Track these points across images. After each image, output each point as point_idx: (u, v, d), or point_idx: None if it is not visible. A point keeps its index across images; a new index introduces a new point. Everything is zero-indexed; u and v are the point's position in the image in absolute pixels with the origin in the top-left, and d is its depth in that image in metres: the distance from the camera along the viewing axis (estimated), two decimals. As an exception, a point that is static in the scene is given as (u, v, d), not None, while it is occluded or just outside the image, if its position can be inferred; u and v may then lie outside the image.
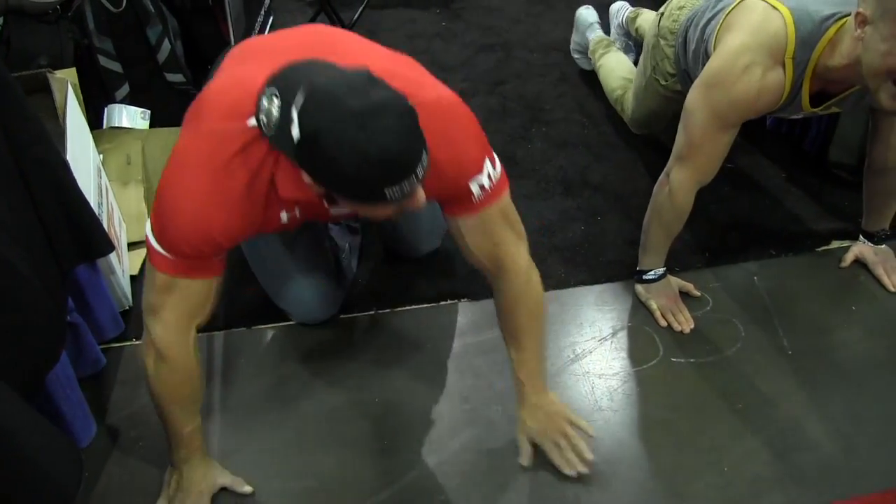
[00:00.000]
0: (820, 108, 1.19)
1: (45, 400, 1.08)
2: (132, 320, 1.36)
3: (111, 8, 1.79)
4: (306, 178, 0.82)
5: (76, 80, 1.54)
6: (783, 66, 1.11)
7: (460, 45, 2.07)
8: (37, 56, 1.68)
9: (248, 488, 1.09)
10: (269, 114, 0.80)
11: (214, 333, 1.35)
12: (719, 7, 1.26)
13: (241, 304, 1.40)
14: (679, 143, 1.23)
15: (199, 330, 1.02)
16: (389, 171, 0.76)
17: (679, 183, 1.24)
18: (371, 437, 1.19)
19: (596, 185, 1.63)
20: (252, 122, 0.85)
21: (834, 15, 1.09)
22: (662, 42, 1.45)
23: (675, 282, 1.38)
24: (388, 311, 1.39)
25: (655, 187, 1.30)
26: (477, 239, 1.03)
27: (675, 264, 1.42)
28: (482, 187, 0.97)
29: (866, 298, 1.39)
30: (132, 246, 1.48)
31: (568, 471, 1.10)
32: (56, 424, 1.09)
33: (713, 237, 1.50)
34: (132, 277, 1.42)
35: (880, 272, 1.41)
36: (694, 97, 1.19)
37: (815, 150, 1.67)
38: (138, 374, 1.29)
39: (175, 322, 0.96)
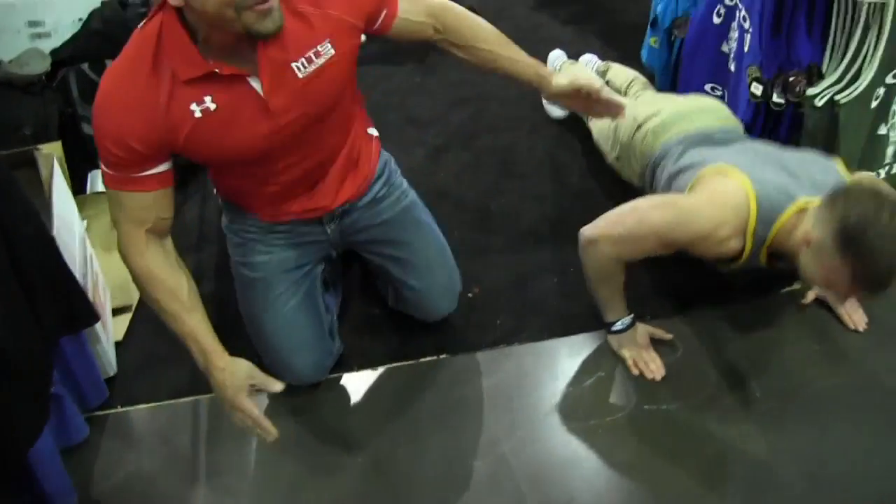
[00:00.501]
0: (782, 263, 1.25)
1: (25, 473, 1.08)
2: (116, 387, 1.38)
3: (94, 77, 1.85)
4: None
5: (62, 154, 1.57)
6: (744, 237, 1.19)
7: (434, 99, 2.13)
8: (21, 126, 1.72)
9: (279, 386, 1.08)
10: None
11: (200, 398, 1.37)
12: (686, 163, 1.32)
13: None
14: (617, 226, 1.25)
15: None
16: None
17: (608, 253, 1.27)
18: (357, 497, 1.21)
19: (568, 236, 1.68)
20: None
21: (791, 198, 1.17)
22: (631, 154, 1.53)
23: (645, 329, 1.43)
24: (368, 371, 1.42)
25: (581, 251, 1.31)
26: (417, 15, 1.15)
27: (645, 312, 1.47)
28: None
29: (828, 337, 1.44)
30: (116, 312, 1.50)
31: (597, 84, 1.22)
32: (36, 498, 1.10)
33: (681, 284, 1.55)
34: (117, 344, 1.44)
35: (841, 311, 1.47)
36: (655, 212, 1.22)
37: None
38: (123, 443, 1.31)
39: (127, 231, 1.08)
